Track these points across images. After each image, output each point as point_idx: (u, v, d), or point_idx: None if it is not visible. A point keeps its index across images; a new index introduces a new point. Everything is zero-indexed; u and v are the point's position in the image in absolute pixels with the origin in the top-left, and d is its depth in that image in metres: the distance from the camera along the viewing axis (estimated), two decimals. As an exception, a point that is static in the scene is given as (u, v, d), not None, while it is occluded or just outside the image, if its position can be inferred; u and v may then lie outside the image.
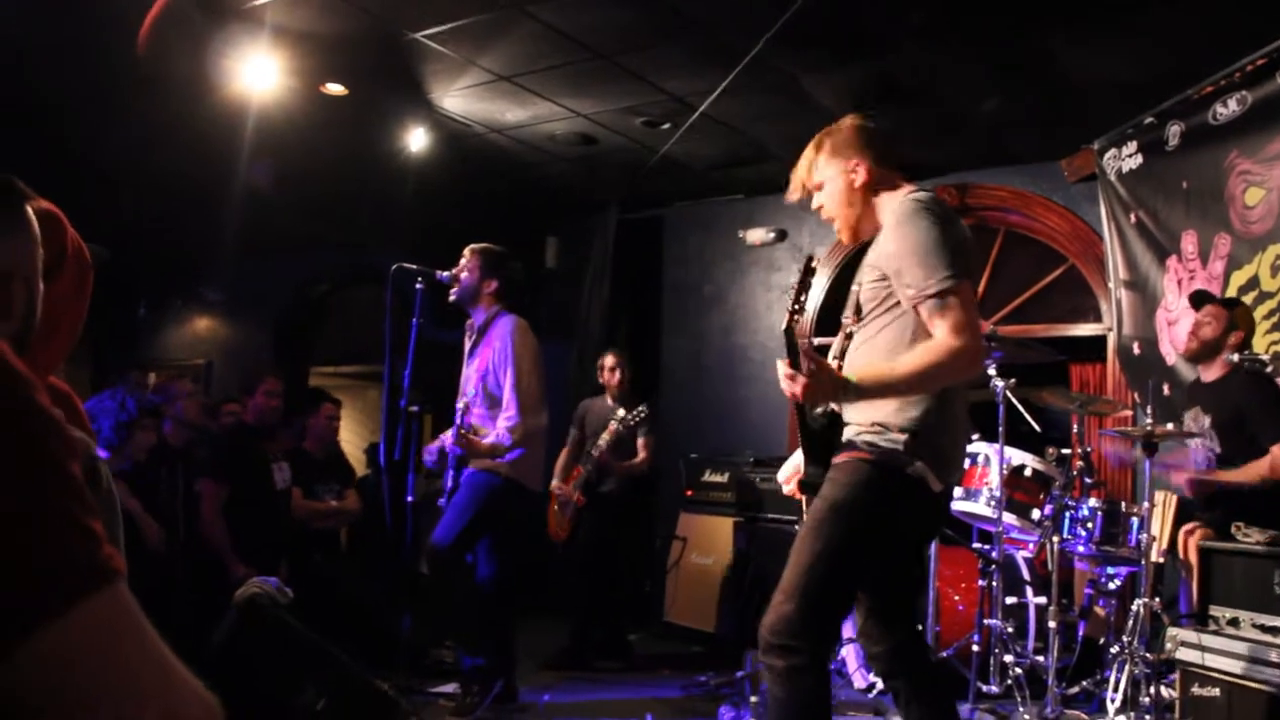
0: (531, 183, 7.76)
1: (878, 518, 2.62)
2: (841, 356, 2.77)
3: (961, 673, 4.81)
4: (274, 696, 3.62)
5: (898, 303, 2.65)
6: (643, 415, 6.05)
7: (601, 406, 6.32)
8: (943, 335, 2.53)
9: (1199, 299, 4.83)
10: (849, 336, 2.78)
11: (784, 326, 2.51)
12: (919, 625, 4.99)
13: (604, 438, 5.98)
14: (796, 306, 2.56)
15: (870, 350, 2.71)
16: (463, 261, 4.82)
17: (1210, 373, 4.73)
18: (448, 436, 4.71)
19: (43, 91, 5.98)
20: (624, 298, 8.18)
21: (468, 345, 4.88)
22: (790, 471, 2.96)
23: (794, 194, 2.94)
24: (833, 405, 2.73)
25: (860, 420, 2.69)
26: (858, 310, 2.75)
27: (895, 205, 2.68)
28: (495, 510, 4.61)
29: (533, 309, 4.94)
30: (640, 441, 6.30)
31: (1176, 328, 5.51)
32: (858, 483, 2.60)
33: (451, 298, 4.80)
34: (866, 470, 2.60)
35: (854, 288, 2.83)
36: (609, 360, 6.38)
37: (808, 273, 2.61)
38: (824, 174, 2.85)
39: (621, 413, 6.00)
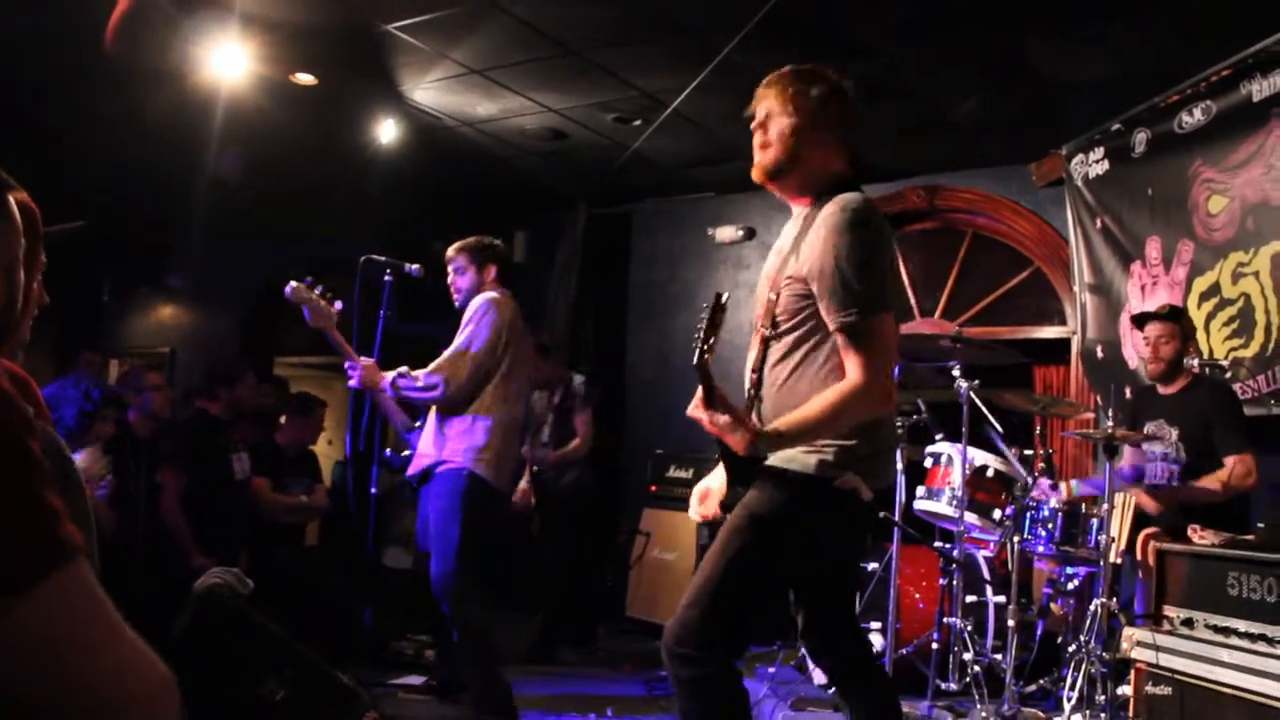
0: (501, 177, 7.73)
1: (802, 531, 2.55)
2: (759, 369, 2.65)
3: (921, 670, 4.85)
4: (233, 687, 3.61)
5: (821, 323, 2.55)
6: (571, 388, 5.91)
7: (536, 399, 6.15)
8: (852, 374, 2.47)
9: (1141, 319, 4.88)
10: (765, 343, 2.65)
11: (694, 362, 2.35)
12: (869, 626, 5.10)
13: (544, 430, 5.94)
14: (706, 346, 2.35)
15: (794, 380, 2.59)
16: (451, 267, 4.63)
17: (1171, 385, 4.78)
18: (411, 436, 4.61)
19: (9, 76, 5.91)
20: (591, 294, 8.15)
21: None
22: (704, 492, 2.83)
23: (757, 114, 2.73)
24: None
25: None
26: (772, 318, 2.61)
27: (831, 211, 2.52)
28: (477, 512, 4.33)
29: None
30: (576, 419, 6.09)
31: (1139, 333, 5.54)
32: (783, 497, 2.53)
33: (458, 305, 4.61)
34: (793, 484, 2.52)
35: (768, 284, 2.68)
36: None
37: (717, 310, 2.39)
38: (779, 109, 2.67)
39: (536, 394, 5.82)
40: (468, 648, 4.23)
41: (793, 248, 2.62)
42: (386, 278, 4.85)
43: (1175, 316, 4.80)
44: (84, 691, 0.80)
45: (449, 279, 4.65)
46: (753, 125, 2.70)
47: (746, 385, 2.56)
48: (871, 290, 2.46)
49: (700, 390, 2.37)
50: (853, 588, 3.11)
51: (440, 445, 4.33)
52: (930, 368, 5.04)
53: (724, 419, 2.33)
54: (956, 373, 4.76)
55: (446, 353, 4.33)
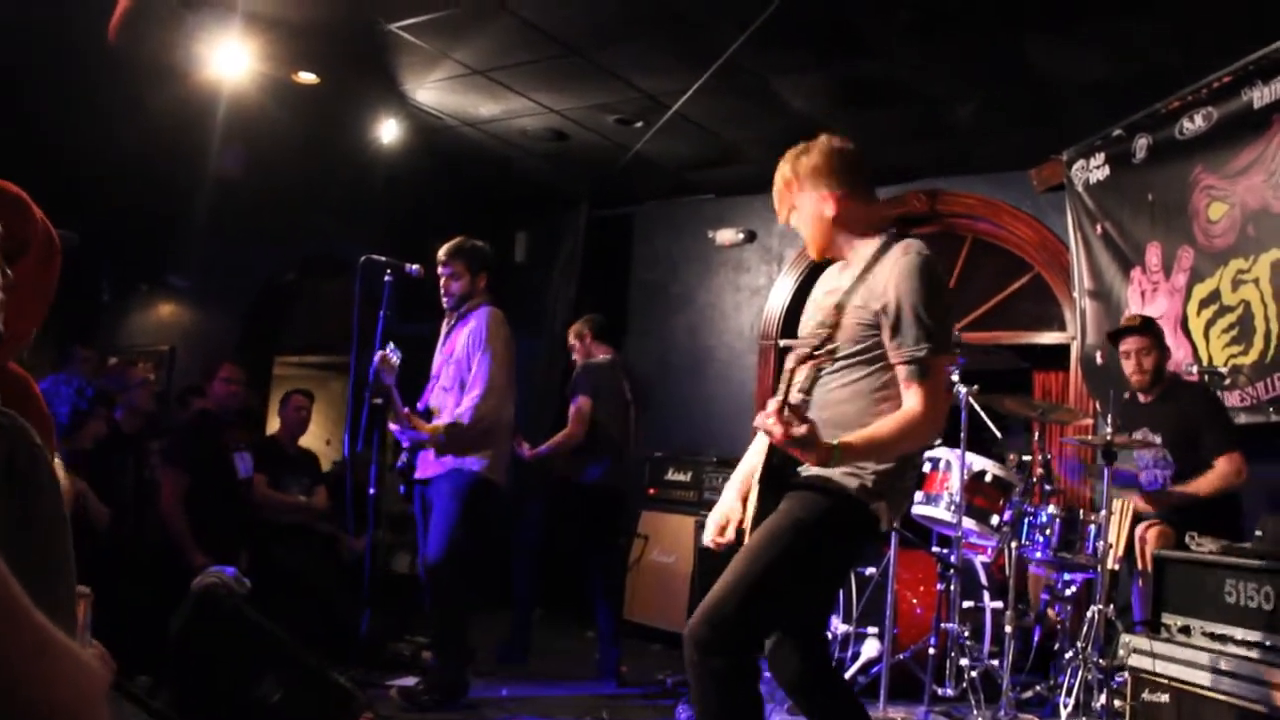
0: (502, 177, 7.72)
1: (834, 545, 2.66)
2: (809, 390, 2.72)
3: (918, 675, 4.84)
4: (230, 686, 3.62)
5: (881, 354, 2.65)
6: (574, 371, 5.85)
7: None
8: (914, 404, 2.57)
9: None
10: (818, 370, 2.72)
11: (789, 365, 2.59)
12: (866, 631, 5.11)
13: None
14: (819, 350, 2.62)
15: (845, 401, 2.67)
16: (445, 270, 4.78)
17: (1149, 394, 4.83)
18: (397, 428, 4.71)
19: (9, 73, 5.91)
20: (591, 295, 8.11)
21: (444, 330, 4.89)
22: (724, 522, 2.85)
23: (782, 216, 2.92)
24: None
25: None
26: (830, 344, 2.69)
27: (902, 254, 2.65)
28: (477, 510, 4.62)
29: (499, 304, 4.88)
30: (571, 407, 5.78)
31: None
32: (823, 508, 2.60)
33: (447, 306, 4.81)
34: (832, 499, 2.61)
35: (824, 311, 2.75)
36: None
37: (835, 316, 2.65)
38: (796, 197, 2.84)
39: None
40: (442, 629, 4.60)
41: (858, 280, 2.71)
42: (387, 278, 4.88)
43: (1148, 326, 4.85)
44: (9, 701, 0.77)
45: (441, 281, 4.77)
46: (789, 226, 2.91)
47: (780, 400, 2.50)
48: (940, 330, 2.61)
49: (776, 399, 2.44)
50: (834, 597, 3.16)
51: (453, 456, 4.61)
52: None
53: (803, 429, 2.38)
54: (955, 377, 4.77)
55: (480, 386, 4.59)
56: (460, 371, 4.69)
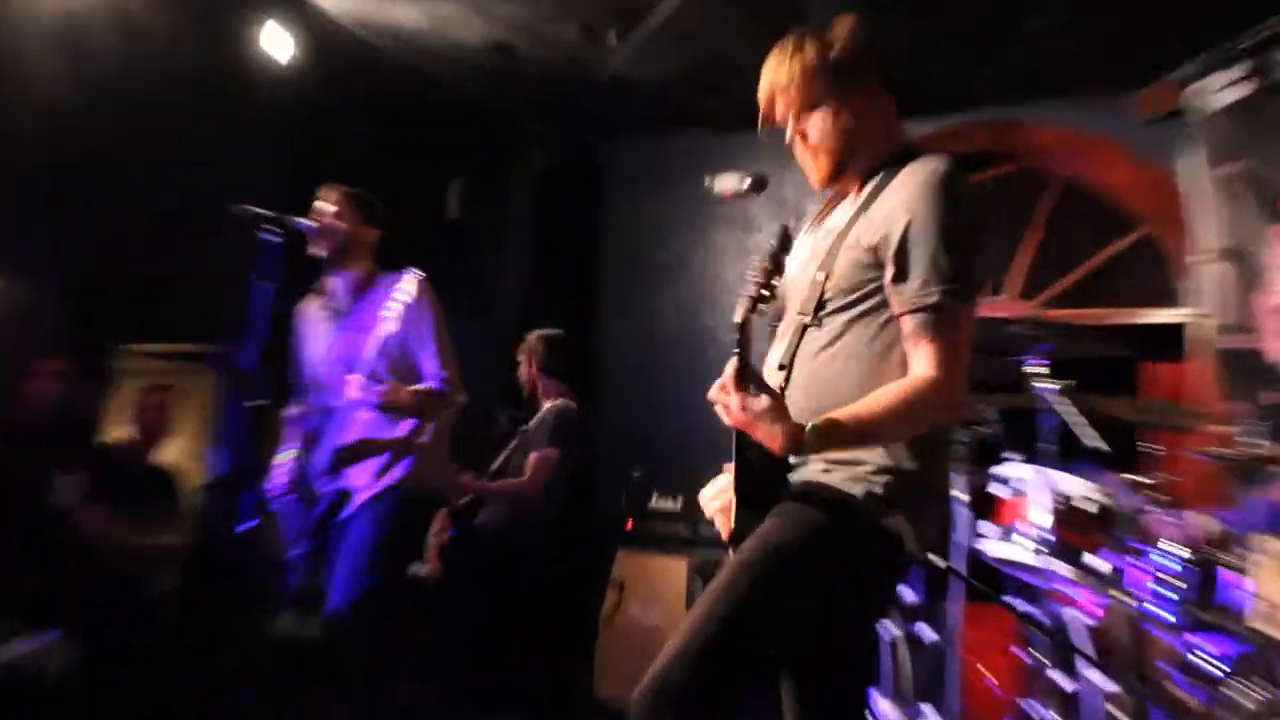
0: (430, 108, 7.70)
1: (835, 582, 2.57)
2: (788, 364, 2.72)
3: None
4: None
5: (882, 302, 2.62)
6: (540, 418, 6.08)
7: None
8: (925, 367, 2.52)
9: None
10: (802, 331, 2.72)
11: (738, 319, 2.43)
12: (922, 712, 5.08)
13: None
14: (764, 293, 2.46)
15: (830, 369, 2.65)
16: (326, 206, 4.87)
17: None
18: (288, 462, 4.75)
19: None
20: (552, 262, 8.18)
21: (328, 310, 4.91)
22: (716, 494, 2.84)
23: (766, 120, 2.87)
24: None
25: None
26: (820, 299, 2.68)
27: (917, 170, 2.61)
28: (409, 538, 4.81)
29: (430, 270, 4.88)
30: (531, 457, 6.10)
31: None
32: (813, 527, 2.53)
33: (320, 252, 4.81)
34: (828, 515, 2.54)
35: (815, 261, 2.76)
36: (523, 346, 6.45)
37: (783, 248, 2.53)
38: (816, 97, 2.76)
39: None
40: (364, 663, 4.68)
41: (855, 218, 2.70)
42: (269, 237, 4.68)
43: None
44: None
45: (318, 215, 4.83)
46: (789, 139, 2.85)
47: (735, 363, 2.49)
48: (961, 269, 2.52)
49: (732, 363, 2.39)
50: (866, 664, 3.22)
51: (377, 465, 4.62)
52: (1001, 363, 5.01)
53: (762, 403, 2.34)
54: (1037, 370, 4.80)
55: (435, 348, 4.69)
56: (395, 359, 4.70)
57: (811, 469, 2.63)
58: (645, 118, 7.88)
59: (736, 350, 2.43)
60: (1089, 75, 6.59)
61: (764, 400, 2.36)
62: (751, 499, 2.60)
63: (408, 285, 4.65)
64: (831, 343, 2.65)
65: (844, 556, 2.55)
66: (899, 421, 2.49)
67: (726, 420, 2.46)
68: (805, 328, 2.70)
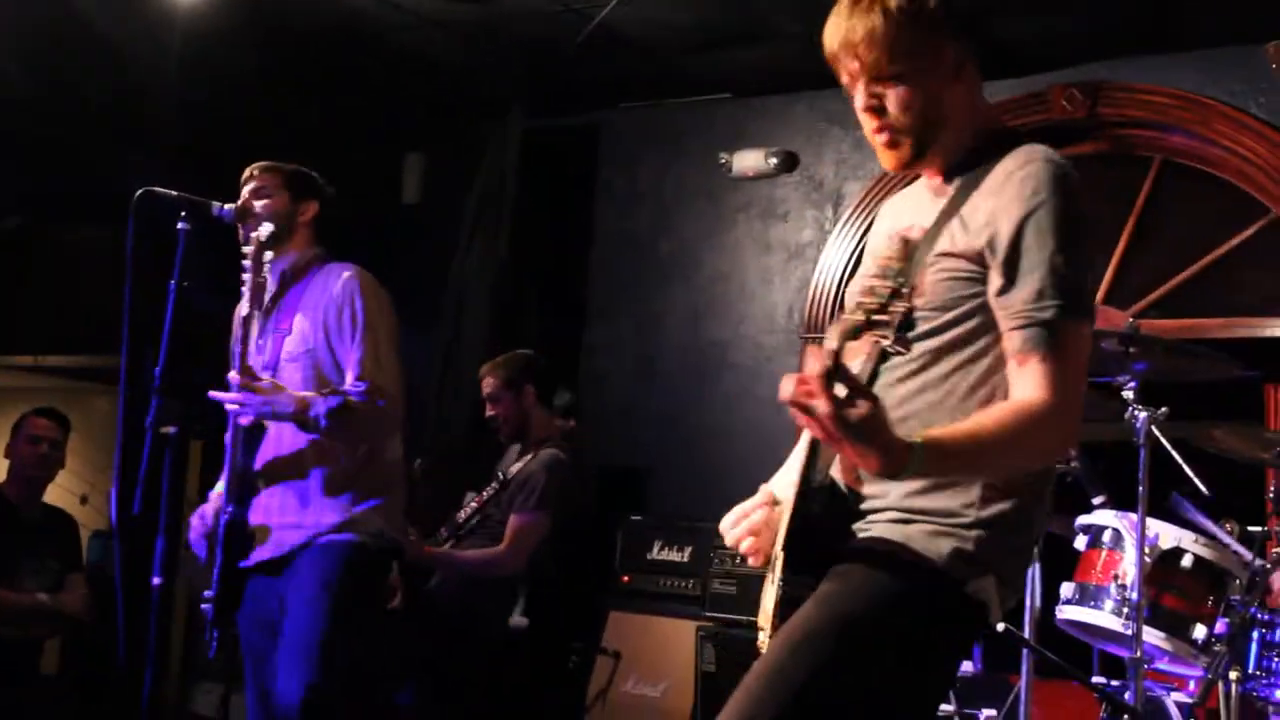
0: (383, 67, 7.61)
1: (912, 661, 2.52)
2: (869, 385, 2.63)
3: None
4: None
5: (984, 324, 2.56)
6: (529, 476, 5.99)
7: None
8: (1038, 391, 2.43)
9: None
10: (880, 354, 2.63)
11: (832, 345, 2.24)
12: None
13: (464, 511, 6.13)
14: (881, 318, 2.24)
15: (920, 402, 2.58)
16: (254, 185, 4.78)
17: None
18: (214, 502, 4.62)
19: None
20: (531, 256, 8.07)
21: (250, 299, 4.64)
22: (742, 520, 2.79)
23: (860, 102, 2.71)
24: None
25: (896, 499, 2.53)
26: (898, 307, 2.42)
27: (1020, 165, 2.56)
28: (366, 597, 4.64)
29: (379, 268, 4.82)
30: (513, 520, 5.98)
31: None
32: (885, 594, 2.48)
33: (259, 236, 4.58)
34: (901, 579, 2.48)
35: (891, 257, 2.56)
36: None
37: (906, 258, 2.38)
38: (899, 57, 2.63)
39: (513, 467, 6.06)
40: None
41: (951, 205, 2.64)
42: (181, 225, 4.60)
43: None
44: None
45: (244, 198, 4.71)
46: (859, 109, 2.76)
47: (826, 362, 2.35)
48: (1080, 280, 2.52)
49: (823, 354, 2.25)
50: None
51: (319, 507, 4.48)
52: (1088, 387, 4.67)
53: (860, 410, 2.19)
54: (1130, 394, 4.79)
55: (360, 351, 4.52)
56: (320, 357, 4.60)
57: (884, 519, 2.55)
58: (648, 78, 7.64)
59: (838, 339, 2.28)
60: (1198, 26, 6.38)
61: (863, 407, 2.19)
62: (805, 561, 2.58)
63: (341, 279, 4.64)
64: (921, 370, 2.59)
65: (924, 638, 2.52)
66: (1011, 450, 2.44)
67: (808, 430, 2.38)
68: (885, 351, 2.57)
